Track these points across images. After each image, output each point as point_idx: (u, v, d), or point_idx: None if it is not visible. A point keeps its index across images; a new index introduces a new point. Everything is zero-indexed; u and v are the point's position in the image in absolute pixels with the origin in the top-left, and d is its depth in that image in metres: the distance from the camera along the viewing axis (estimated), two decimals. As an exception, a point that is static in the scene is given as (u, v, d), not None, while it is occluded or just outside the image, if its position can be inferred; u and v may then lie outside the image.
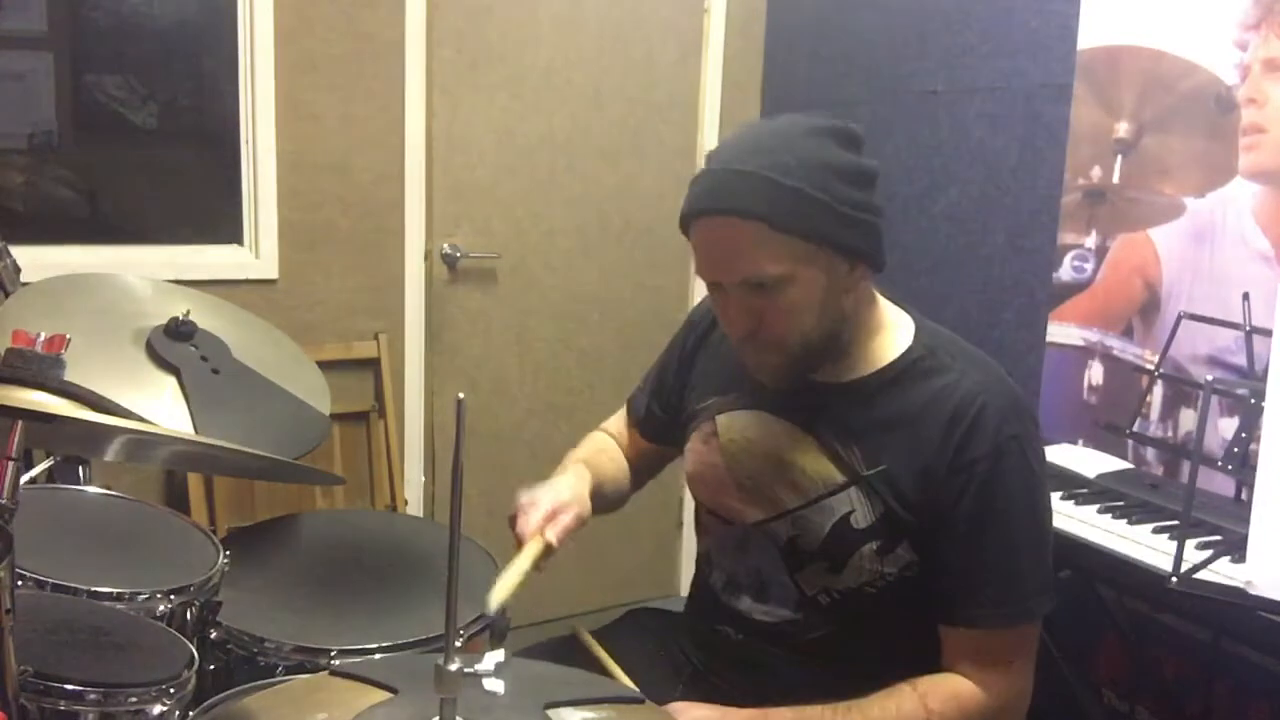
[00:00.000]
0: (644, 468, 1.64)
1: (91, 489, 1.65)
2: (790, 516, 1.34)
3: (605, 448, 1.63)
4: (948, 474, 1.25)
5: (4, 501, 0.93)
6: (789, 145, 1.22)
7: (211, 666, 1.41)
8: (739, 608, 1.40)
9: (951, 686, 1.27)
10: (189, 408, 1.53)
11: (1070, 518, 1.87)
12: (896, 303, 1.39)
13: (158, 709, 1.12)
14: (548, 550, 1.26)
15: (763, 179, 1.20)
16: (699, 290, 3.32)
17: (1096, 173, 2.31)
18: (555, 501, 1.31)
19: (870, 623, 1.34)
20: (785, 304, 1.23)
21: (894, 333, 1.35)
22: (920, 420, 1.28)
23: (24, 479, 0.97)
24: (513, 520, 1.31)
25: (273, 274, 2.73)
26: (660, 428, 1.58)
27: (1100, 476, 2.03)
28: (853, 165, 1.24)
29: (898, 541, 1.29)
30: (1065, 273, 2.38)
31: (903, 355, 1.33)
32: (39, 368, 0.97)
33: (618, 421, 1.67)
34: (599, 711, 1.07)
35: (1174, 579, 1.51)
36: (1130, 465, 2.13)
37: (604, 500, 1.49)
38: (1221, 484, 1.90)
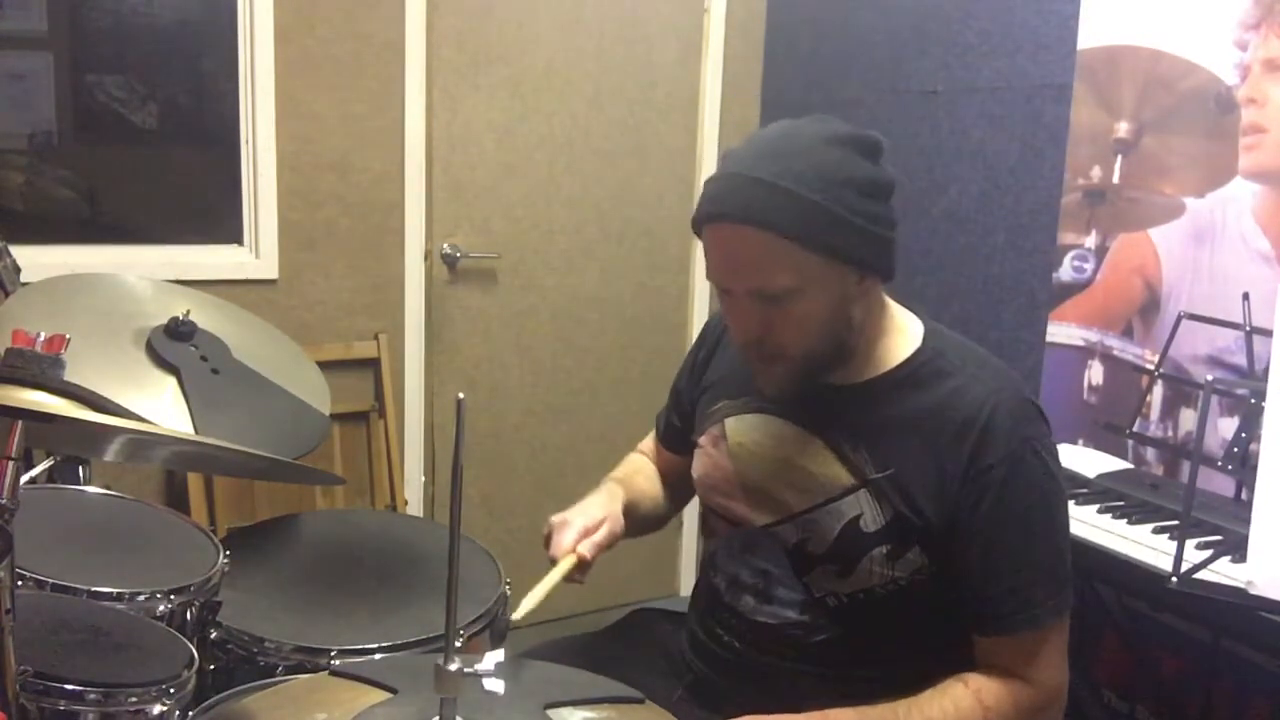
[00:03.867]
0: (679, 484, 1.63)
1: (91, 489, 1.64)
2: (798, 520, 1.33)
3: (641, 467, 1.64)
4: (964, 480, 1.25)
5: (4, 501, 0.93)
6: (809, 154, 1.21)
7: (211, 666, 1.41)
8: (740, 609, 1.39)
9: (1002, 682, 1.27)
10: (189, 408, 1.53)
11: (1070, 518, 1.87)
12: (907, 305, 1.39)
13: (158, 709, 1.11)
14: (581, 564, 1.32)
15: (780, 190, 1.18)
16: (699, 291, 3.32)
17: (1096, 173, 2.31)
18: (588, 519, 1.36)
19: (879, 625, 1.33)
20: (794, 315, 1.23)
21: (902, 336, 1.34)
22: (931, 425, 1.27)
23: (24, 479, 0.97)
24: (546, 540, 1.35)
25: (273, 274, 2.73)
26: (679, 438, 1.58)
27: (1100, 476, 2.03)
28: (871, 177, 1.22)
29: (908, 546, 1.28)
30: (1065, 273, 2.38)
31: (911, 357, 1.32)
32: (39, 368, 0.97)
33: (649, 440, 1.68)
34: (599, 711, 1.07)
35: (1174, 579, 1.51)
36: (1130, 465, 2.13)
37: (640, 517, 1.52)
38: (1221, 484, 1.90)
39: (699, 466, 1.47)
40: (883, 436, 1.29)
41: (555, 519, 1.37)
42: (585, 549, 1.32)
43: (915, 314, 1.38)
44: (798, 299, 1.21)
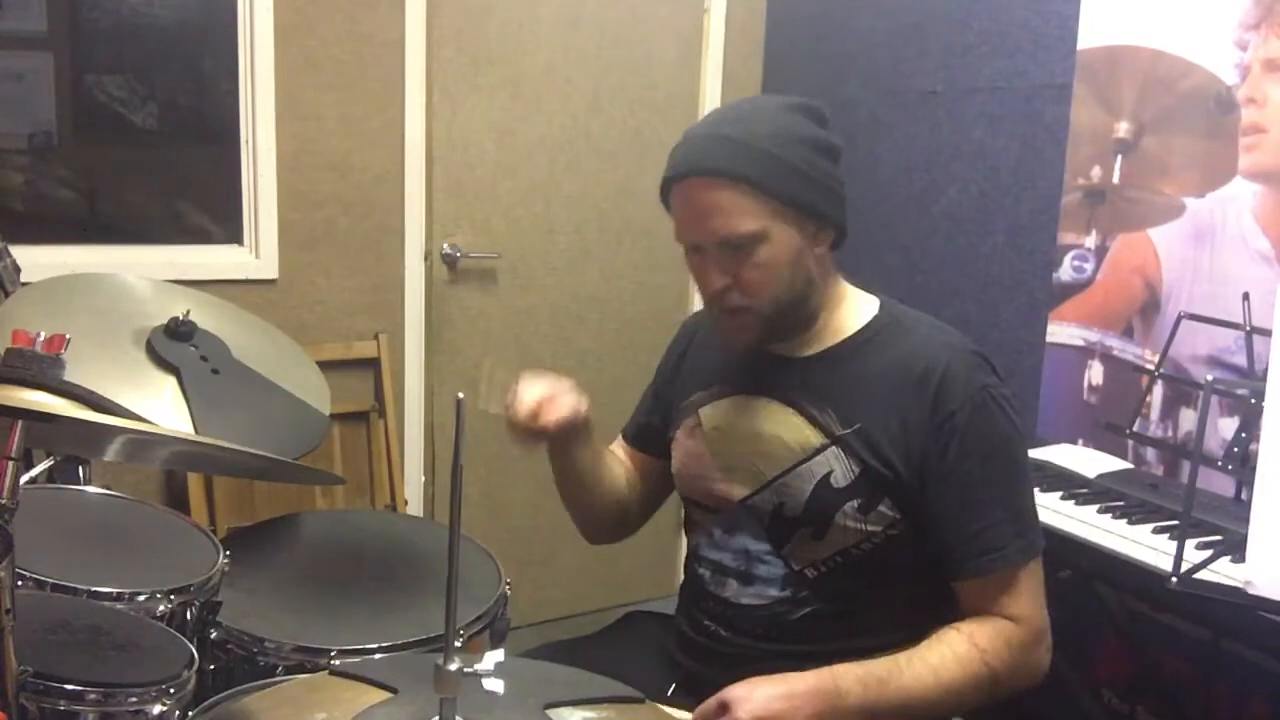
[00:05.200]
0: (651, 484, 1.64)
1: (91, 489, 1.65)
2: (773, 486, 1.38)
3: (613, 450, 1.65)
4: (930, 429, 1.31)
5: (4, 501, 0.93)
6: (766, 117, 1.33)
7: (211, 666, 1.41)
8: (725, 595, 1.42)
9: (992, 624, 1.32)
10: (189, 408, 1.53)
11: (1070, 518, 1.87)
12: (866, 289, 1.46)
13: (158, 709, 1.12)
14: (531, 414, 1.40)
15: (738, 142, 1.29)
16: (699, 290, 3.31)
17: (1096, 173, 2.31)
18: (554, 386, 1.42)
19: (859, 594, 1.37)
20: (759, 262, 1.31)
21: (858, 306, 1.43)
22: (892, 380, 1.35)
23: (24, 479, 0.97)
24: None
25: (273, 274, 2.73)
26: (655, 438, 1.60)
27: (1100, 476, 2.03)
28: (822, 138, 1.34)
29: (878, 499, 1.33)
30: (1065, 273, 2.39)
31: (869, 324, 1.41)
32: (39, 368, 0.97)
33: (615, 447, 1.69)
34: (599, 711, 1.08)
35: (1174, 579, 1.51)
36: (1130, 465, 2.13)
37: (603, 471, 1.55)
38: (1221, 484, 1.91)
39: (677, 459, 1.52)
40: (847, 395, 1.36)
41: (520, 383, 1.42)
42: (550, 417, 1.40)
43: (873, 293, 1.46)
44: (761, 246, 1.30)
